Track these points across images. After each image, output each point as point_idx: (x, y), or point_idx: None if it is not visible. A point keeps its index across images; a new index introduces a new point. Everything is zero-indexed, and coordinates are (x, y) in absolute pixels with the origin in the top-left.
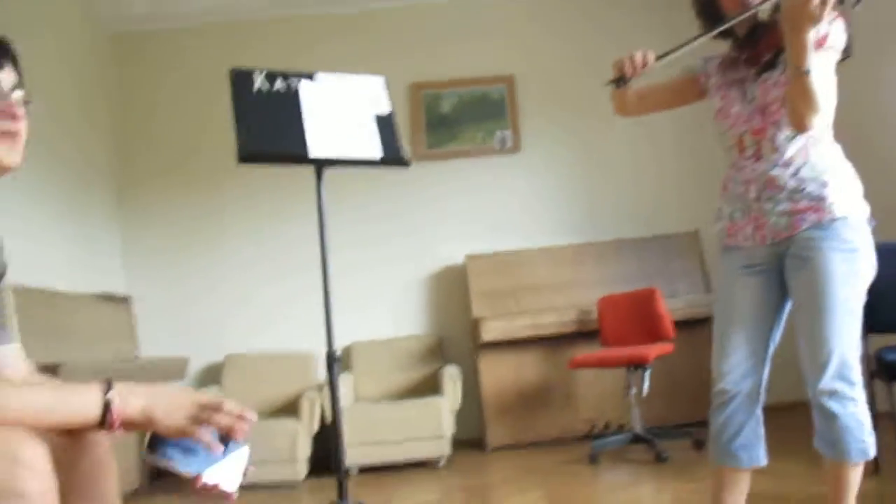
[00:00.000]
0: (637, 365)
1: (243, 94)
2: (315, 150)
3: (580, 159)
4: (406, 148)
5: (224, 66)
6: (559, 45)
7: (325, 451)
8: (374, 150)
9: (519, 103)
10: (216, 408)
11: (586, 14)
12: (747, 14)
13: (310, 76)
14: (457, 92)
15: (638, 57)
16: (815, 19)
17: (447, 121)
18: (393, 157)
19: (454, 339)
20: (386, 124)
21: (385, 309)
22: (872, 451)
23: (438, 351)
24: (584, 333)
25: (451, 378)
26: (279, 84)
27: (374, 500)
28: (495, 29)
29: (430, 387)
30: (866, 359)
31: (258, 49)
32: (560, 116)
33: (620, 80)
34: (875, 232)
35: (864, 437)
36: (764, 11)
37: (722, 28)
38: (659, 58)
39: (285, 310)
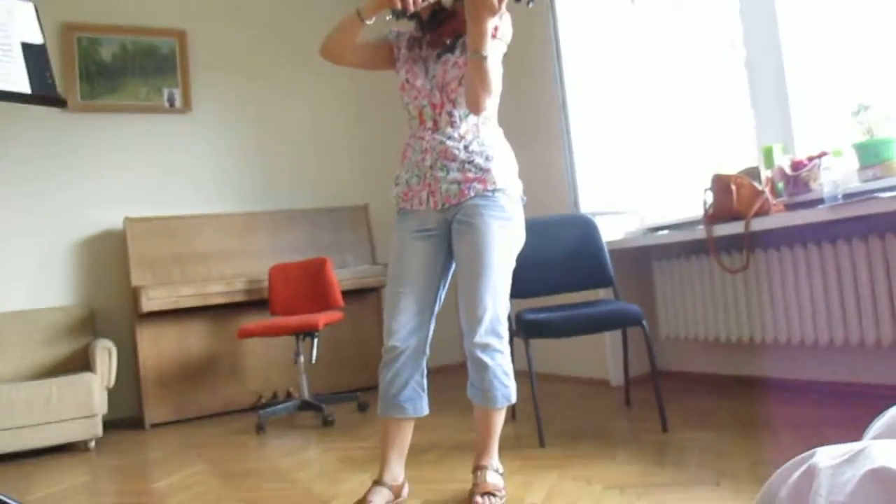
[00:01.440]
0: (306, 333)
1: None
2: None
3: (254, 126)
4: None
5: None
6: (234, 4)
7: None
8: (21, 83)
9: (191, 61)
10: None
11: None
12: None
13: None
14: (119, 40)
15: None
16: (494, 11)
17: (107, 71)
18: (45, 93)
19: (110, 311)
20: (37, 56)
21: (22, 276)
22: (514, 397)
23: (90, 324)
24: (254, 303)
25: (104, 352)
26: None
27: (11, 491)
28: None
29: (79, 363)
30: (510, 319)
31: None
32: (235, 80)
33: (402, 14)
34: (524, 208)
35: (508, 384)
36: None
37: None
38: None
39: None
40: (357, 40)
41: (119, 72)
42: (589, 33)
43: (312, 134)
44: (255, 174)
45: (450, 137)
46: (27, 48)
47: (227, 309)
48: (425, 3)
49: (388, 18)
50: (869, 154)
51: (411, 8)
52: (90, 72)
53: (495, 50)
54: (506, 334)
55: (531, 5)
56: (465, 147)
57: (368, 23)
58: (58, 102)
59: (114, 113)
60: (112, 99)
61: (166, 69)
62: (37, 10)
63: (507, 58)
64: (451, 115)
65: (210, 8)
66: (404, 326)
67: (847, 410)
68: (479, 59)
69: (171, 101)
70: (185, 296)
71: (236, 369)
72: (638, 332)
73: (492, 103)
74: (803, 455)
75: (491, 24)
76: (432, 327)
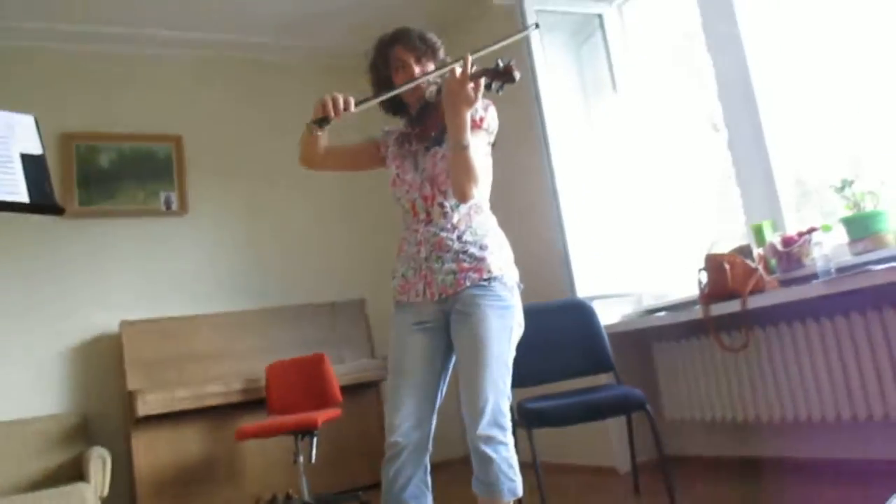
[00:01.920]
0: (305, 432)
1: None
2: None
3: (250, 224)
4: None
5: None
6: (229, 108)
7: None
8: (20, 194)
9: (187, 164)
10: None
11: (257, 79)
12: (413, 83)
13: None
14: (116, 147)
15: (340, 100)
16: (471, 102)
17: (105, 177)
18: (44, 202)
19: (104, 417)
20: (36, 166)
21: (14, 385)
22: (521, 491)
23: (83, 431)
24: (251, 403)
25: (98, 461)
26: None
27: None
28: (163, 85)
29: (72, 473)
30: (511, 409)
31: None
32: (230, 180)
33: (323, 121)
34: (521, 295)
35: (514, 477)
36: (431, 94)
37: (413, 83)
38: (358, 103)
39: None
40: (322, 149)
41: (116, 177)
42: (575, 121)
43: (308, 230)
44: (250, 272)
45: (443, 229)
46: (27, 159)
47: (225, 410)
48: (358, 109)
49: (308, 122)
50: (858, 227)
51: (332, 115)
52: (88, 178)
53: (478, 139)
54: (509, 426)
55: (500, 93)
56: (459, 237)
57: (319, 133)
58: (56, 210)
59: (111, 218)
60: (109, 204)
61: (163, 173)
62: (37, 122)
63: (496, 147)
64: (442, 206)
65: (205, 112)
66: (406, 421)
67: (859, 489)
68: (461, 150)
69: (168, 204)
70: (182, 398)
71: (234, 472)
72: (642, 416)
73: (479, 191)
74: None
75: (469, 114)
76: (434, 421)
